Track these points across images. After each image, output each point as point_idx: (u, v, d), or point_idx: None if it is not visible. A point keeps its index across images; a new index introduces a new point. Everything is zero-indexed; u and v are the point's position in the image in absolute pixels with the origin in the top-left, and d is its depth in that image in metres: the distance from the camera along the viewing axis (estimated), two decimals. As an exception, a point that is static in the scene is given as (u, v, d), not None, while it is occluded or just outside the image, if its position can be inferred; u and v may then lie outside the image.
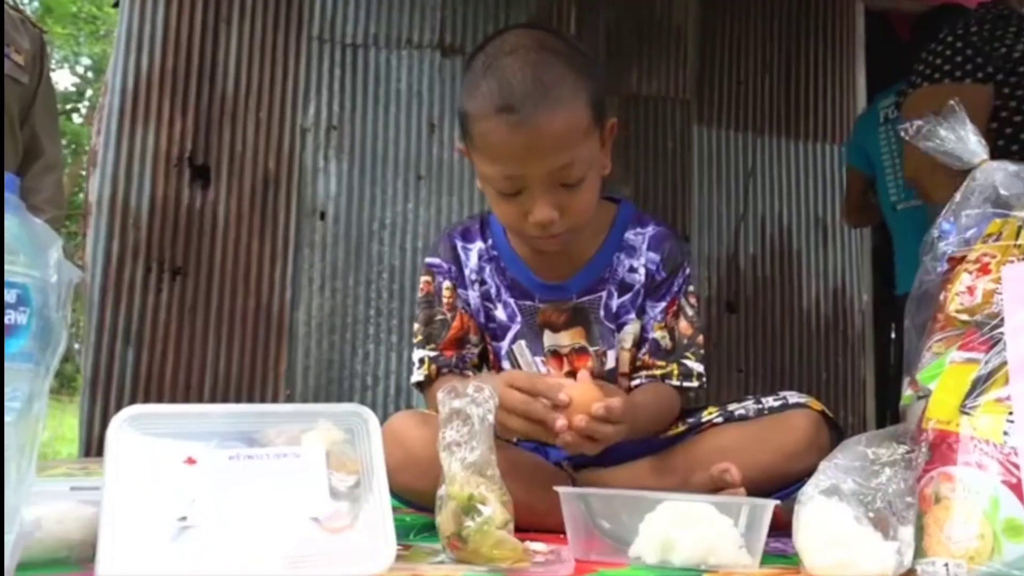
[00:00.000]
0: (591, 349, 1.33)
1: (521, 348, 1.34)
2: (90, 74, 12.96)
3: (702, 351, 1.33)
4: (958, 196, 1.08)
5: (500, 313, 1.35)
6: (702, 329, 1.35)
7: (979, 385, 0.86)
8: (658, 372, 1.31)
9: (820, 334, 3.12)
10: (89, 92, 12.57)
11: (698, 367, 1.32)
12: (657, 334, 1.32)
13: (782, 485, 1.15)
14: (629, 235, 1.34)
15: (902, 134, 1.12)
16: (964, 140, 1.07)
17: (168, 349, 2.66)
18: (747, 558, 0.86)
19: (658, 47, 3.11)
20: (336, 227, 2.85)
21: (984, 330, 0.89)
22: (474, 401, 0.83)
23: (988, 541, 0.78)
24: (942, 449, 0.84)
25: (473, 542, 0.81)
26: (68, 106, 12.53)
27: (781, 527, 0.92)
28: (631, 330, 1.33)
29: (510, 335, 1.34)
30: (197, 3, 2.80)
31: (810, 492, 0.85)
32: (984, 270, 0.93)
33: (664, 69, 3.11)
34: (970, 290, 0.93)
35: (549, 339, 1.34)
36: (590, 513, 0.91)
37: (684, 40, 3.14)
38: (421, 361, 1.34)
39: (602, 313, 1.33)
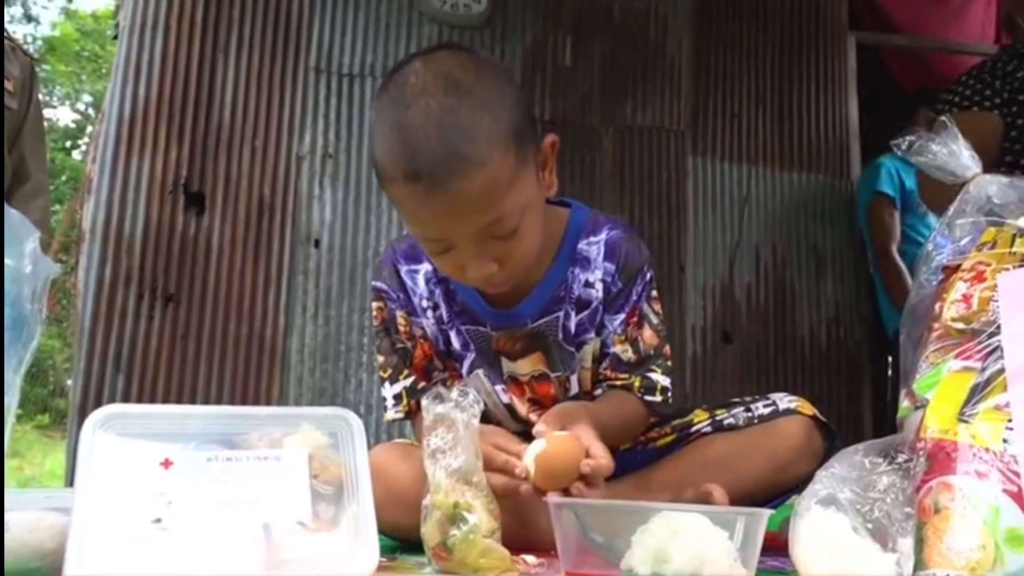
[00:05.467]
0: (552, 375, 1.24)
1: (479, 378, 1.26)
2: (91, 111, 13.06)
3: (669, 363, 1.24)
4: (952, 209, 1.07)
5: (454, 340, 1.26)
6: (668, 338, 1.25)
7: (977, 393, 0.84)
8: (619, 383, 1.22)
9: (816, 364, 3.09)
10: (90, 128, 12.65)
11: (663, 380, 1.22)
12: (618, 348, 1.22)
13: (775, 495, 1.12)
14: (582, 245, 1.22)
15: (895, 150, 1.12)
16: (956, 154, 1.07)
17: (159, 376, 2.63)
18: (742, 570, 0.83)
19: (653, 79, 3.13)
20: (330, 255, 2.84)
21: (981, 338, 0.88)
22: (458, 406, 0.81)
23: (990, 552, 0.76)
24: (940, 458, 0.82)
25: (459, 552, 0.78)
26: (68, 143, 12.60)
27: (778, 548, 0.90)
28: (590, 349, 1.24)
29: (466, 364, 1.26)
30: (195, 33, 2.82)
31: (807, 502, 0.83)
32: (979, 278, 0.92)
33: (659, 100, 3.13)
34: (966, 298, 0.92)
35: (508, 366, 1.25)
36: (581, 525, 0.88)
37: (678, 72, 3.16)
38: (397, 397, 1.27)
39: (560, 336, 1.23)
